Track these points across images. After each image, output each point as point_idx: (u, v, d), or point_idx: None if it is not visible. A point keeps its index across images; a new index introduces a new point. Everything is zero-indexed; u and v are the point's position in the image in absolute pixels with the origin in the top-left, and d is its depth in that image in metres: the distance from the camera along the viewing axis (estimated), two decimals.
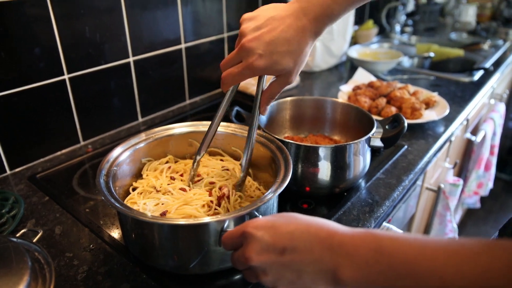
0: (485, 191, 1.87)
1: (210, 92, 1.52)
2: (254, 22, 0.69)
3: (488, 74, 1.76)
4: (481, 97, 1.60)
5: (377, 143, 0.92)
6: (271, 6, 0.70)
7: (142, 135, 0.85)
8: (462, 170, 1.85)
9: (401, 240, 0.44)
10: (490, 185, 1.91)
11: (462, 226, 2.59)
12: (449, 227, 1.43)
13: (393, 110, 1.26)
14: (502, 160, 2.94)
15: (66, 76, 1.06)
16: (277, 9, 0.69)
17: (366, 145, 0.91)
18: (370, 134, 0.90)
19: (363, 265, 0.45)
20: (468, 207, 2.03)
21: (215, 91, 1.54)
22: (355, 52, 1.84)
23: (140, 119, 1.29)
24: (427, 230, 1.45)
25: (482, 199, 2.00)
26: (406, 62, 2.10)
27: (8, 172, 1.02)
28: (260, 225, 0.53)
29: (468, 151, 1.76)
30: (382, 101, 1.30)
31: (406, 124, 0.91)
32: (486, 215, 2.69)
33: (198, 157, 0.82)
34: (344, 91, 1.43)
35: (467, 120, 1.55)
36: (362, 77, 1.53)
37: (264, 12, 0.70)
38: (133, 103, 1.26)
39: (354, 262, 0.45)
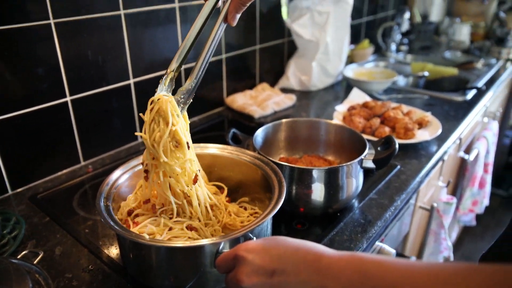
0: (480, 209, 1.89)
1: (208, 111, 1.55)
2: None
3: (480, 93, 1.80)
4: (474, 116, 1.63)
5: (369, 164, 0.95)
6: None
7: (140, 158, 0.87)
8: (457, 188, 1.87)
9: (384, 263, 0.47)
10: (486, 202, 1.93)
11: (460, 243, 2.60)
12: (443, 245, 1.45)
13: (387, 130, 1.29)
14: (498, 176, 2.96)
15: (68, 98, 1.10)
16: None
17: (359, 167, 0.94)
18: (362, 156, 0.93)
19: (348, 286, 0.47)
20: (464, 225, 2.05)
21: (213, 111, 1.57)
22: (351, 72, 1.87)
23: (140, 139, 1.32)
24: (421, 248, 1.47)
25: (479, 215, 2.01)
26: (401, 81, 2.14)
27: (10, 192, 1.04)
28: (251, 248, 0.56)
29: (462, 169, 1.78)
30: (376, 121, 1.33)
31: (397, 146, 0.94)
32: (483, 231, 2.70)
33: (168, 70, 0.73)
34: (340, 111, 1.46)
35: (460, 139, 1.58)
36: (357, 97, 1.57)
37: None
38: (133, 124, 1.29)
39: (340, 284, 0.48)
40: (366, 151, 0.95)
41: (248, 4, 0.69)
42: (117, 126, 1.25)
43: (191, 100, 0.74)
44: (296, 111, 1.58)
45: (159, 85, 0.74)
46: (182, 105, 0.73)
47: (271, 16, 1.70)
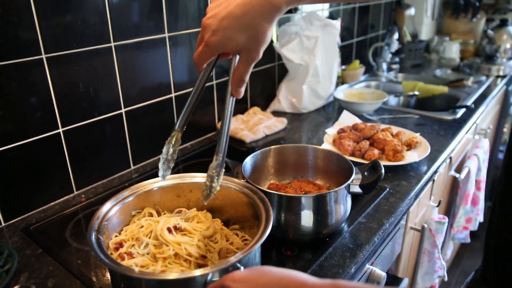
0: (474, 226, 1.90)
1: (200, 137, 1.57)
2: (216, 1, 0.71)
3: (470, 111, 1.83)
4: (464, 134, 1.65)
5: (357, 189, 0.96)
6: None
7: (131, 189, 0.89)
8: (451, 206, 1.89)
9: None
10: (479, 219, 1.94)
11: (459, 259, 2.59)
12: (438, 264, 1.46)
13: (376, 153, 1.31)
14: (495, 191, 2.97)
15: (60, 130, 1.12)
16: None
17: (346, 192, 0.96)
18: (349, 182, 0.95)
19: None
20: (459, 242, 2.05)
21: (205, 136, 1.59)
22: (342, 93, 1.90)
23: (132, 167, 1.34)
24: (415, 268, 1.47)
25: (478, 229, 2.01)
26: (392, 100, 2.17)
27: (3, 224, 1.05)
28: (237, 279, 0.58)
29: (454, 187, 1.80)
30: (366, 144, 1.35)
31: (383, 171, 0.96)
32: (483, 246, 2.69)
33: (173, 132, 0.81)
34: (330, 133, 1.48)
35: (450, 158, 1.59)
36: (347, 119, 1.59)
37: None
38: (125, 152, 1.31)
39: None
40: (353, 176, 0.97)
41: (247, 79, 0.73)
42: (110, 155, 1.27)
43: (224, 170, 0.78)
44: (287, 134, 1.61)
45: (165, 146, 0.81)
46: (216, 177, 0.76)
47: None
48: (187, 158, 1.43)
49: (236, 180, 0.92)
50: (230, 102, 0.75)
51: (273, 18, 0.68)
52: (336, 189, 0.92)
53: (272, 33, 0.72)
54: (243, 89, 0.75)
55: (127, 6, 1.19)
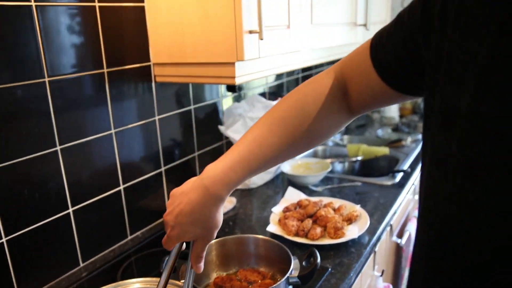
0: None
1: (151, 223, 1.60)
2: (172, 198, 0.83)
3: (407, 174, 1.96)
4: (403, 198, 1.77)
5: (295, 280, 1.02)
6: (188, 181, 0.83)
7: None
8: (398, 268, 1.97)
9: None
10: None
11: None
12: None
13: (318, 231, 1.38)
14: None
15: (4, 239, 1.12)
16: (188, 184, 0.83)
17: (286, 284, 1.01)
18: (287, 275, 1.01)
19: None
20: None
21: (156, 222, 1.62)
22: (288, 166, 2.00)
23: (82, 264, 1.34)
24: None
25: None
26: (337, 166, 2.29)
27: None
28: None
29: (398, 252, 1.89)
30: (308, 223, 1.42)
31: (318, 261, 1.03)
32: None
33: None
34: (276, 212, 1.55)
35: (391, 226, 1.69)
36: (292, 195, 1.68)
37: (181, 187, 0.83)
38: (73, 249, 1.31)
39: None
40: (292, 267, 1.03)
41: (204, 255, 0.85)
42: (57, 255, 1.27)
43: None
44: (236, 213, 1.66)
45: None
46: None
47: (207, 121, 1.83)
48: (139, 249, 1.45)
49: (177, 282, 0.96)
50: (190, 276, 0.86)
51: (218, 206, 0.79)
52: (276, 284, 0.98)
53: (222, 214, 0.83)
54: (202, 264, 0.86)
55: (72, 107, 1.25)
